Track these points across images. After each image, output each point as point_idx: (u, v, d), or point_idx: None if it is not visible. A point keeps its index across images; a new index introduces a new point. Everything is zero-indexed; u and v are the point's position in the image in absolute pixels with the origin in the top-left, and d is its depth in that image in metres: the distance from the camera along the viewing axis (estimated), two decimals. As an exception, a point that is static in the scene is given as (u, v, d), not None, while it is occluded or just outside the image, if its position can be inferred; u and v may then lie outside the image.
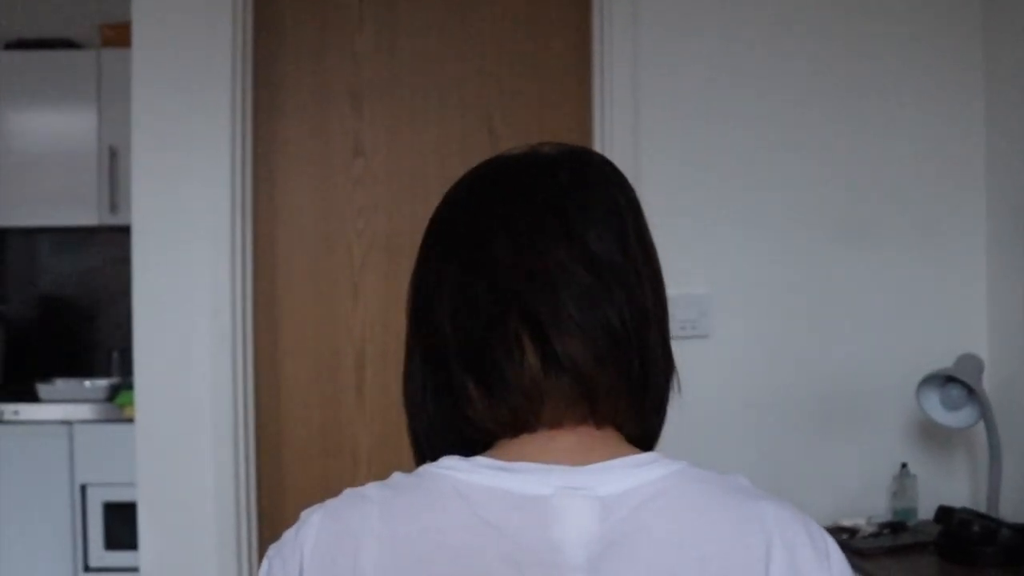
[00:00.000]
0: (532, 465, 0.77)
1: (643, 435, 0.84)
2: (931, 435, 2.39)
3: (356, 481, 2.58)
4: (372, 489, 0.79)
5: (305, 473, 2.35)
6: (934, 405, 2.19)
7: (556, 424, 0.79)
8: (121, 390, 3.38)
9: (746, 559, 0.75)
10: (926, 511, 2.33)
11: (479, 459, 0.79)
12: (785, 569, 0.76)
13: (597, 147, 2.36)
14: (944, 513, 2.12)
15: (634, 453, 0.80)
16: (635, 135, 2.35)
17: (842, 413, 2.40)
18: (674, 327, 2.36)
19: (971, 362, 2.21)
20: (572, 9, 2.40)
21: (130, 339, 2.28)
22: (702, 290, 2.36)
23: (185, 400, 2.27)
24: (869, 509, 2.37)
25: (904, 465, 2.33)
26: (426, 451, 0.84)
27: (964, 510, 2.11)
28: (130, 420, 2.46)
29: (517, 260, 0.80)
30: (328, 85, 2.37)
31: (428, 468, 0.79)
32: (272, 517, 2.34)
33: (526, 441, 0.79)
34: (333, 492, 2.78)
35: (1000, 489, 2.16)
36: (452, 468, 0.78)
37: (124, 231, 2.41)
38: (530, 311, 0.79)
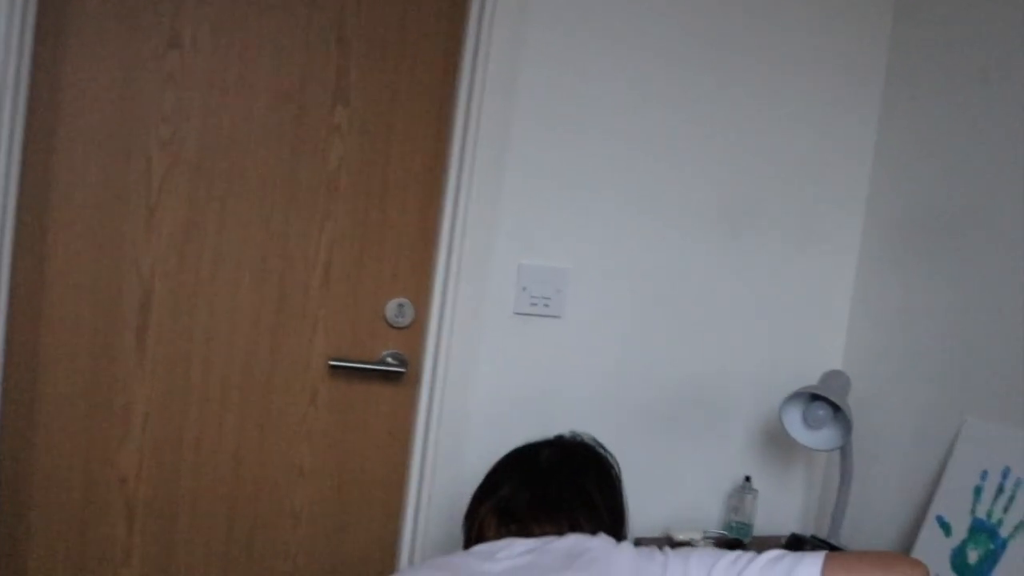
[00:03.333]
0: None
1: None
2: (775, 449, 2.26)
3: (125, 444, 2.07)
4: None
5: (62, 432, 1.88)
6: (795, 423, 2.03)
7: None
8: None
9: None
10: (760, 527, 2.21)
11: None
12: None
13: (464, 82, 2.00)
14: (796, 541, 1.98)
15: None
16: (511, 81, 2.01)
17: (691, 414, 2.21)
18: (526, 303, 2.10)
19: (838, 379, 2.07)
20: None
21: None
22: (562, 264, 2.08)
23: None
24: (704, 519, 2.22)
25: (748, 478, 2.18)
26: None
27: (814, 538, 1.98)
28: None
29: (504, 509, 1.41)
30: (148, -51, 1.86)
31: None
32: (14, 480, 1.86)
33: None
34: (96, 455, 2.21)
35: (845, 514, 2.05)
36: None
37: None
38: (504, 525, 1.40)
